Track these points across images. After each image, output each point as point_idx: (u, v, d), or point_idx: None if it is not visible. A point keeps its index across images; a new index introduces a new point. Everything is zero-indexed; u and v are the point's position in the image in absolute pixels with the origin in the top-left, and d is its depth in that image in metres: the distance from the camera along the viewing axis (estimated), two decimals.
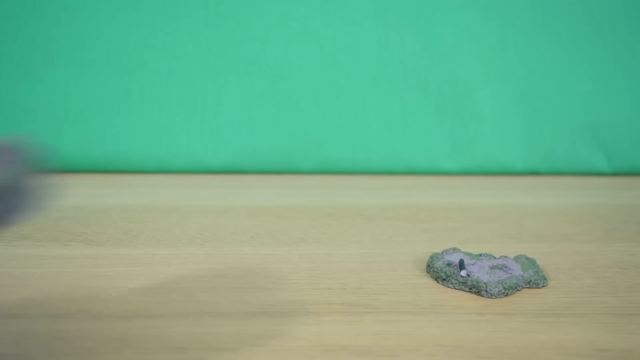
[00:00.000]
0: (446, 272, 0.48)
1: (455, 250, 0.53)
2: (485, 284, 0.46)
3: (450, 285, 0.48)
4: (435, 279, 0.49)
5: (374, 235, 0.59)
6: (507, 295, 0.46)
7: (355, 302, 0.45)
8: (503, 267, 0.49)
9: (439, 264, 0.50)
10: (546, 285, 0.48)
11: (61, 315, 0.42)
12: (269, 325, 0.41)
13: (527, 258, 0.51)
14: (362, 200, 0.69)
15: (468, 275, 0.48)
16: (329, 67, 0.83)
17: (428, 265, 0.51)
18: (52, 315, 0.42)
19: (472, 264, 0.50)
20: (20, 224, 0.60)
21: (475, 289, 0.47)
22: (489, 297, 0.46)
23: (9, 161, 0.27)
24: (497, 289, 0.46)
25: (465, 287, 0.47)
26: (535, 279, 0.48)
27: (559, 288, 0.48)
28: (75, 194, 0.71)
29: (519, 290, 0.47)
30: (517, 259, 0.51)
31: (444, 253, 0.52)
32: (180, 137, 0.81)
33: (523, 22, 0.84)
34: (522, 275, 0.48)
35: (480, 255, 0.52)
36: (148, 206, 0.64)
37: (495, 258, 0.52)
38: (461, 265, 0.48)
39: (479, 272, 0.48)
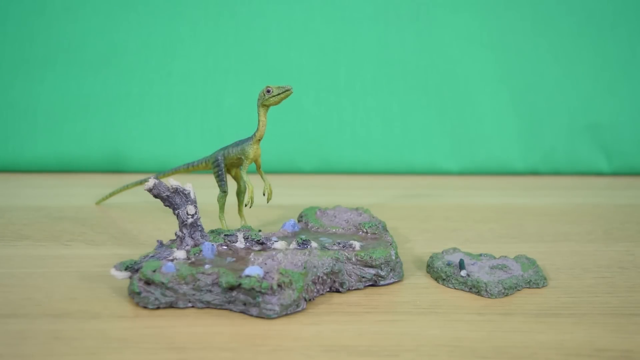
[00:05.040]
0: (446, 272, 0.48)
1: (455, 250, 0.53)
2: (485, 284, 0.46)
3: (450, 285, 0.48)
4: (435, 279, 0.49)
5: None
6: (507, 295, 0.46)
7: (355, 302, 0.45)
8: (503, 267, 0.49)
9: (439, 264, 0.50)
10: (546, 285, 0.48)
11: (61, 315, 0.42)
12: (269, 325, 0.41)
13: (527, 258, 0.51)
14: (362, 200, 0.69)
15: (468, 275, 0.48)
16: (329, 67, 0.83)
17: (428, 265, 0.51)
18: (52, 315, 0.42)
19: (472, 264, 0.50)
20: (21, 224, 0.60)
21: (475, 289, 0.47)
22: (489, 297, 0.46)
23: None
24: (497, 289, 0.46)
25: (465, 287, 0.47)
26: (535, 279, 0.48)
27: (559, 288, 0.48)
28: (75, 194, 0.71)
29: (519, 290, 0.47)
30: (517, 259, 0.51)
31: (444, 253, 0.52)
32: (180, 137, 0.81)
33: (523, 23, 0.84)
34: (522, 275, 0.48)
35: (480, 255, 0.52)
36: (147, 206, 0.64)
37: (495, 258, 0.52)
38: (461, 265, 0.48)
39: (479, 272, 0.48)
